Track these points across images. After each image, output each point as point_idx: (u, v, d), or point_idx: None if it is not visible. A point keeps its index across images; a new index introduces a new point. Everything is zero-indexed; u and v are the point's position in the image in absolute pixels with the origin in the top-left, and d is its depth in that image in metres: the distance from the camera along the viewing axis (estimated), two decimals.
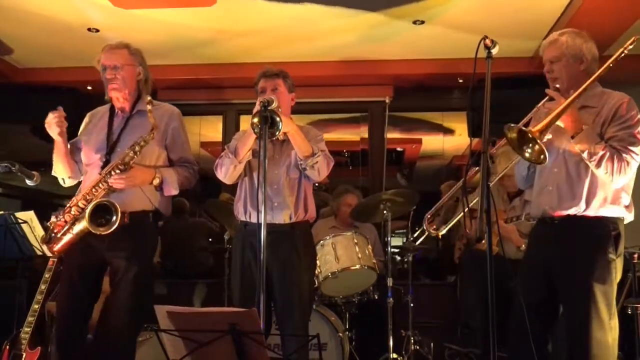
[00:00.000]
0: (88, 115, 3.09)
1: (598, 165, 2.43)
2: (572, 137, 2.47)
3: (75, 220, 2.77)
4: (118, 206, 2.71)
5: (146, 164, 2.89)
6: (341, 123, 7.11)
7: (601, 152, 2.42)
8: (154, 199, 2.93)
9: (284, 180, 2.99)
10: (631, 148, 2.44)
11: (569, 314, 2.56)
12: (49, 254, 3.11)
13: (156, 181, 2.87)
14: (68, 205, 2.81)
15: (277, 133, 2.70)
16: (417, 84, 5.66)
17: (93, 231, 2.70)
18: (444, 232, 2.95)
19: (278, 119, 2.68)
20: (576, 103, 2.46)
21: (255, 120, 2.65)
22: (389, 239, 4.14)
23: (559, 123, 2.44)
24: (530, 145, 2.32)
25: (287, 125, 2.79)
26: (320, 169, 2.93)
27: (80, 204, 2.77)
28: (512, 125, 2.31)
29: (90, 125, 3.04)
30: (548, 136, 2.47)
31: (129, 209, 2.80)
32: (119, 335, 2.82)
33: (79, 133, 3.07)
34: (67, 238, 2.78)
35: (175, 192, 2.96)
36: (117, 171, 2.76)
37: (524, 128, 2.32)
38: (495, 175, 4.00)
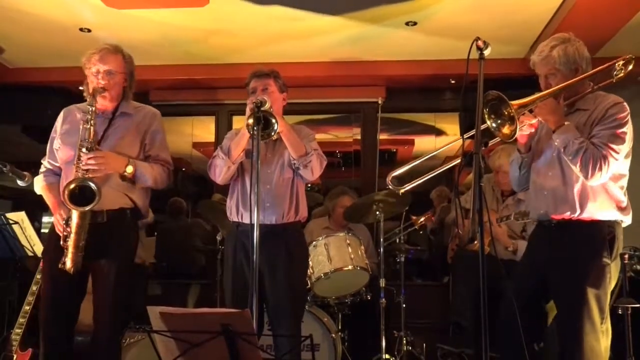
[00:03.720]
0: (63, 112, 3.03)
1: (573, 158, 2.44)
2: (554, 132, 2.50)
3: (68, 219, 2.74)
4: (93, 182, 2.65)
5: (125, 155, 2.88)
6: (334, 124, 7.11)
7: (577, 146, 2.44)
8: (132, 196, 2.91)
9: (277, 180, 3.00)
10: (611, 145, 2.44)
11: (562, 317, 2.57)
12: (40, 254, 3.09)
13: (129, 169, 2.82)
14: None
15: (272, 134, 2.71)
16: (409, 85, 5.67)
17: (80, 210, 2.65)
18: (405, 189, 3.00)
19: (273, 120, 2.68)
20: (561, 99, 2.52)
21: (250, 121, 2.65)
22: (381, 239, 4.15)
23: (539, 117, 2.53)
24: (502, 117, 2.38)
25: (280, 125, 2.79)
26: (314, 168, 2.94)
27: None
28: (497, 92, 2.36)
29: (66, 124, 2.96)
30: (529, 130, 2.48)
31: (106, 207, 2.76)
32: (102, 334, 2.82)
33: (54, 131, 2.99)
34: (71, 244, 2.71)
35: (149, 184, 2.94)
36: (84, 150, 2.71)
37: (504, 96, 2.35)
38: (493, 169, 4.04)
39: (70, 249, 2.71)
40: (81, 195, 2.67)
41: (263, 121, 2.66)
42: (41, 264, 3.14)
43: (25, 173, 2.88)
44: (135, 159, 2.90)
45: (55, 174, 2.98)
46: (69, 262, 2.71)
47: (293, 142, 2.89)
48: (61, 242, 2.74)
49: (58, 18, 4.42)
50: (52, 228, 2.90)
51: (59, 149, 2.92)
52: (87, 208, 2.66)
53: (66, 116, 3.00)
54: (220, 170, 2.96)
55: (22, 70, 5.47)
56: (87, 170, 2.72)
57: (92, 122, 2.75)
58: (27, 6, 4.24)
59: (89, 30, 4.65)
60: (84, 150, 2.72)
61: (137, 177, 2.88)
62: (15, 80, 5.45)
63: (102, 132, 2.87)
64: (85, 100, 2.99)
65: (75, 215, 2.70)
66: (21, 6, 4.24)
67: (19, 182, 2.87)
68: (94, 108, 2.76)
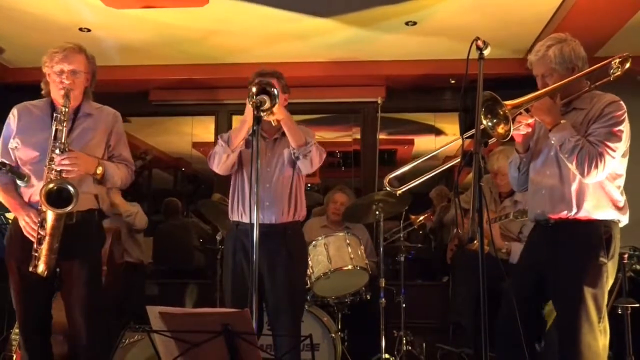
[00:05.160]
0: (17, 109, 2.94)
1: (569, 156, 2.44)
2: (550, 131, 2.50)
3: (43, 221, 2.68)
4: (71, 184, 2.62)
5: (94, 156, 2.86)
6: (333, 124, 7.11)
7: (573, 143, 2.44)
8: (99, 197, 2.92)
9: (277, 179, 3.00)
10: (607, 143, 2.44)
11: (559, 317, 2.57)
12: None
13: (99, 169, 2.81)
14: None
15: (276, 102, 2.65)
16: (409, 84, 5.67)
17: (58, 212, 2.62)
18: (402, 190, 3.06)
19: (274, 89, 2.66)
20: (557, 98, 2.52)
21: (254, 89, 2.62)
22: (381, 239, 4.15)
23: (535, 117, 2.52)
24: (497, 116, 2.37)
25: (281, 112, 2.79)
26: (313, 159, 2.94)
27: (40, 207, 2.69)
28: (490, 92, 2.35)
29: (23, 123, 2.90)
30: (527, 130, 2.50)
31: (76, 208, 2.70)
32: (80, 337, 2.80)
33: (6, 129, 2.92)
34: (45, 246, 2.67)
35: (117, 184, 2.95)
36: (57, 152, 2.68)
37: (497, 97, 2.35)
38: (492, 172, 4.05)
39: (44, 252, 2.67)
40: (57, 196, 2.62)
41: (264, 93, 2.63)
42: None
43: (25, 173, 2.87)
44: (101, 159, 2.90)
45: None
46: (42, 266, 2.67)
47: (293, 130, 2.90)
48: (35, 246, 2.68)
49: (58, 18, 4.42)
50: (13, 232, 2.85)
51: (18, 149, 2.85)
52: (67, 209, 2.62)
53: (21, 114, 2.92)
54: (220, 159, 2.96)
55: (22, 70, 5.47)
56: (60, 171, 2.68)
57: (64, 123, 2.72)
58: (27, 6, 4.24)
59: (89, 30, 4.65)
60: (57, 151, 2.69)
61: (106, 177, 2.87)
62: (15, 80, 5.45)
63: (67, 133, 2.81)
64: (42, 97, 2.96)
65: (50, 217, 2.66)
66: (21, 6, 4.24)
67: (19, 182, 2.86)
68: (67, 109, 2.74)
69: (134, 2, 4.21)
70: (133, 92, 5.66)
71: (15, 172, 2.80)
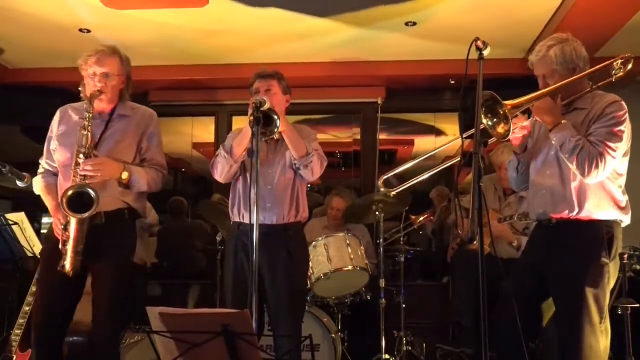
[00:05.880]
0: (59, 111, 3.00)
1: (570, 156, 2.44)
2: (551, 131, 2.49)
3: (67, 224, 2.74)
4: (91, 188, 2.66)
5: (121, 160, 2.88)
6: (333, 124, 7.11)
7: (574, 143, 2.43)
8: (128, 198, 2.91)
9: (278, 180, 3.00)
10: (608, 143, 2.43)
11: (561, 317, 2.56)
12: (39, 255, 3.10)
13: (125, 175, 2.82)
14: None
15: (275, 130, 2.70)
16: (409, 85, 5.67)
17: (77, 217, 2.65)
18: (396, 191, 3.16)
19: (275, 116, 2.68)
20: (558, 98, 2.51)
21: (252, 118, 2.64)
22: (381, 239, 4.15)
23: (536, 116, 2.52)
24: (498, 116, 2.37)
25: (282, 125, 2.80)
26: (314, 169, 2.94)
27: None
28: (490, 92, 2.35)
29: (62, 125, 2.95)
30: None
31: (103, 208, 2.75)
32: (100, 335, 2.83)
33: (50, 131, 2.98)
34: (70, 248, 2.72)
35: (143, 189, 2.93)
36: (81, 157, 2.71)
37: (497, 96, 2.34)
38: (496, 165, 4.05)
39: (69, 253, 2.72)
40: (79, 200, 2.66)
41: (264, 119, 2.66)
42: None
43: (25, 174, 2.88)
44: (131, 162, 2.90)
45: (53, 174, 2.97)
46: (68, 265, 2.72)
47: (294, 142, 2.90)
48: (60, 246, 2.74)
49: (58, 18, 4.42)
50: (50, 230, 2.89)
51: (56, 150, 2.90)
52: (85, 215, 2.65)
53: (62, 117, 2.97)
54: (222, 169, 2.97)
55: (21, 70, 5.47)
56: (84, 176, 2.71)
57: (89, 127, 2.74)
58: (27, 7, 4.24)
59: (89, 31, 4.64)
60: (81, 156, 2.72)
61: (132, 182, 2.88)
62: (15, 81, 5.45)
63: (100, 135, 2.86)
64: (82, 100, 2.98)
65: (73, 220, 2.70)
66: (21, 7, 4.24)
67: (19, 183, 2.87)
68: (90, 114, 2.75)
69: (133, 3, 4.21)
70: (133, 93, 5.65)
71: (15, 173, 2.82)
